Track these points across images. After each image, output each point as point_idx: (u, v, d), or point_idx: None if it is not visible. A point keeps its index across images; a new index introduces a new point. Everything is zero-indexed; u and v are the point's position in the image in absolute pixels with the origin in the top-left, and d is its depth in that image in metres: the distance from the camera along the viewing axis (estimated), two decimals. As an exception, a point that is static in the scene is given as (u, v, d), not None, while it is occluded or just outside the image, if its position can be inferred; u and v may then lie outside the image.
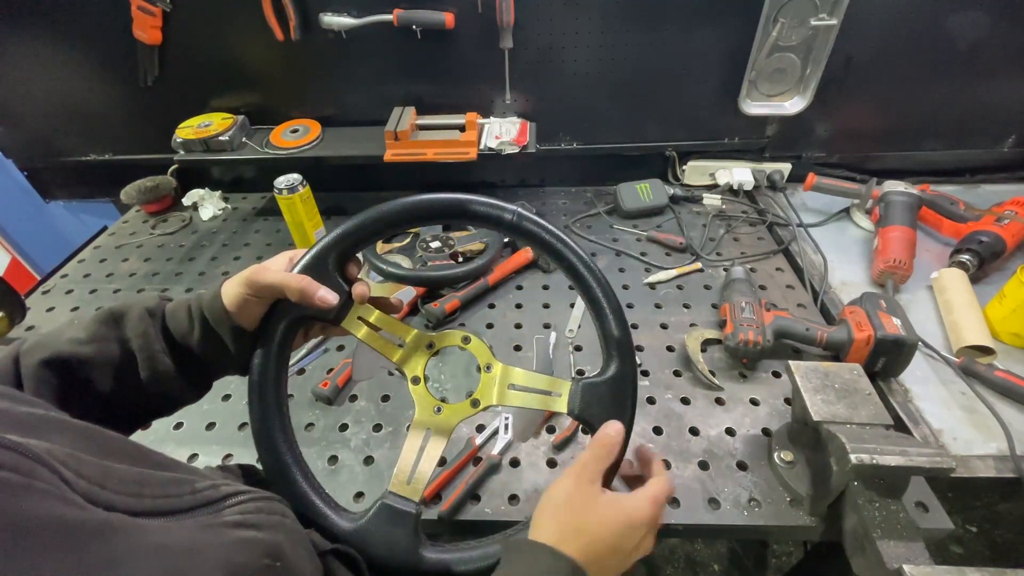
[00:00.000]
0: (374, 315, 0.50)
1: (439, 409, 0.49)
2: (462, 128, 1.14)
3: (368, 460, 0.74)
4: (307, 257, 0.48)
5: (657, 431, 0.76)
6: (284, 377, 0.48)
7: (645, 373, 0.85)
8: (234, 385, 0.86)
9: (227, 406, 0.83)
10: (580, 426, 0.76)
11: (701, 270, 1.06)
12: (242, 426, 0.80)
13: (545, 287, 1.03)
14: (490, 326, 0.95)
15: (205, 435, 0.79)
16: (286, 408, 0.47)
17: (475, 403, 0.49)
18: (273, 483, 0.44)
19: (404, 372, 0.50)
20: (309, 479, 0.46)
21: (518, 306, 0.99)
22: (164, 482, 0.29)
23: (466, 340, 0.50)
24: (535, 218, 0.48)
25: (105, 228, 1.31)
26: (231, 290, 0.45)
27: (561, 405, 0.48)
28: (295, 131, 1.19)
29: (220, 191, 1.34)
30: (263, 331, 0.47)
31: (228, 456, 0.76)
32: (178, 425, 0.80)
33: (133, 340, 0.43)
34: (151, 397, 0.45)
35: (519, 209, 0.48)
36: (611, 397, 0.47)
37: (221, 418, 0.81)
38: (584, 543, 0.38)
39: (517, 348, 0.90)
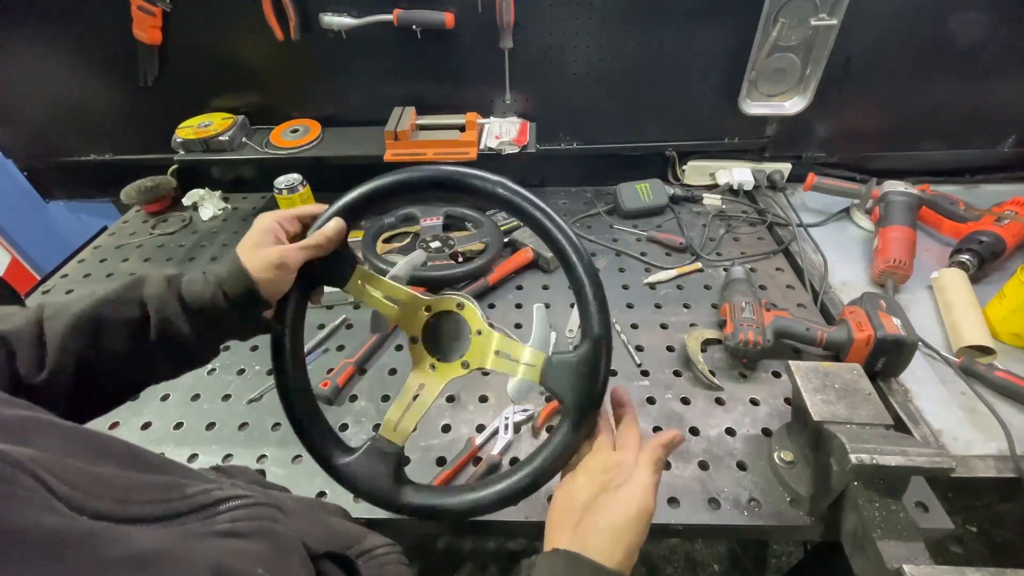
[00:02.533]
0: (373, 279, 0.55)
1: (433, 367, 0.54)
2: (462, 128, 1.14)
3: (368, 460, 0.74)
4: (321, 221, 0.53)
5: (657, 431, 0.76)
6: (301, 329, 0.54)
7: (645, 373, 0.85)
8: (234, 385, 0.86)
9: (227, 406, 0.83)
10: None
11: (701, 270, 1.06)
12: (242, 426, 0.80)
13: (545, 287, 1.03)
14: (490, 326, 0.95)
15: (205, 435, 0.79)
16: (303, 356, 0.54)
17: (465, 364, 0.54)
18: (287, 413, 0.52)
19: (404, 332, 0.55)
20: (317, 415, 0.53)
21: (518, 306, 0.99)
22: (154, 487, 0.29)
23: (460, 306, 0.55)
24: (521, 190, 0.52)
25: (105, 228, 1.31)
26: (255, 257, 0.49)
27: (534, 375, 0.52)
28: (295, 131, 1.19)
29: (220, 191, 1.34)
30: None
31: (228, 456, 0.76)
32: (178, 425, 0.80)
33: (153, 304, 0.46)
34: (163, 358, 0.48)
35: (505, 181, 0.52)
36: (578, 374, 0.50)
37: (221, 418, 0.81)
38: (604, 543, 0.42)
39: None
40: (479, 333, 0.54)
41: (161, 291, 0.46)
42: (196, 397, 0.84)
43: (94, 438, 0.31)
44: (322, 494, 0.70)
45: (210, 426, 0.80)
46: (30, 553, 0.20)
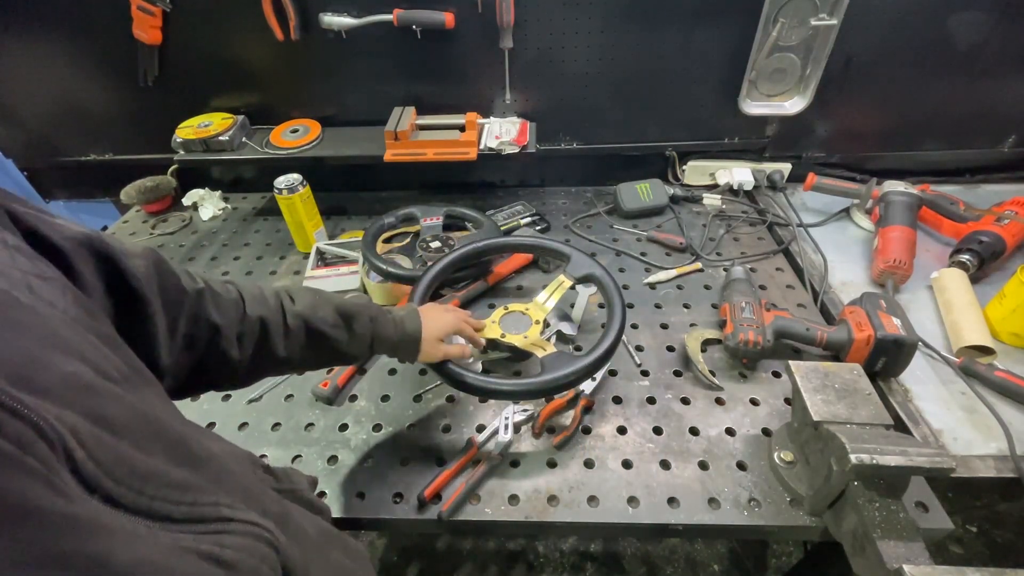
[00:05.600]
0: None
1: (503, 335, 0.77)
2: (462, 128, 1.14)
3: (368, 460, 0.74)
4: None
5: (657, 431, 0.77)
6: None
7: (645, 373, 0.85)
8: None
9: (227, 406, 0.83)
10: (579, 425, 0.77)
11: (701, 270, 1.06)
12: (242, 426, 0.80)
13: (544, 288, 1.02)
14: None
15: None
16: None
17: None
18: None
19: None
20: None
21: (518, 306, 0.99)
22: (172, 484, 0.29)
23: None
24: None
25: (105, 228, 1.32)
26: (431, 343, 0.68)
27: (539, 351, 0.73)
28: (295, 131, 1.19)
29: (220, 191, 1.34)
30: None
31: None
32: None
33: (357, 334, 0.61)
34: (338, 361, 0.65)
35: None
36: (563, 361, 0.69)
37: (220, 418, 0.81)
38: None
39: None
40: (537, 323, 0.79)
41: (365, 330, 0.62)
42: (196, 397, 0.84)
43: (151, 417, 0.31)
44: (322, 494, 0.70)
45: (210, 426, 0.80)
46: (2, 524, 0.20)
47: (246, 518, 0.33)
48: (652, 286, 1.03)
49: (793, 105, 1.15)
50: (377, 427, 0.79)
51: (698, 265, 1.06)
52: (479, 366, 0.87)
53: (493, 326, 0.78)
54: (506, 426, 0.75)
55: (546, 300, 0.81)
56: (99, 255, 0.37)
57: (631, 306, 0.98)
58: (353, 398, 0.83)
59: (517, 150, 1.11)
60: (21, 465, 0.21)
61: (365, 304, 0.64)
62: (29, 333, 0.27)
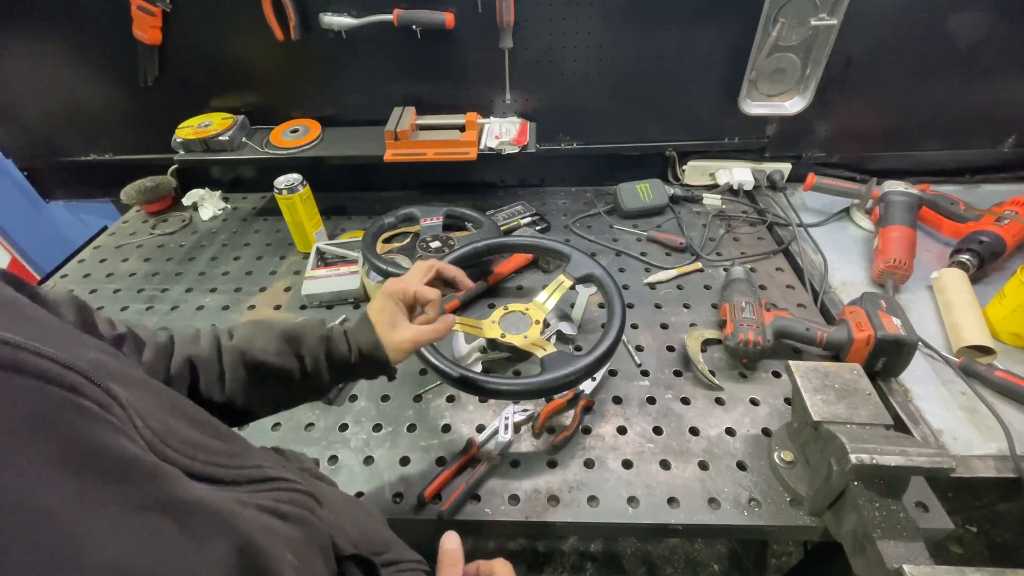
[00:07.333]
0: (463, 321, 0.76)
1: (503, 335, 0.76)
2: (462, 128, 1.14)
3: (368, 460, 0.74)
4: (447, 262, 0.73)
5: (657, 431, 0.77)
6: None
7: (645, 373, 0.85)
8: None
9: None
10: (579, 425, 0.77)
11: (701, 270, 1.06)
12: (242, 426, 0.80)
13: (544, 288, 1.03)
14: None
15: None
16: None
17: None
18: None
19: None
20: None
21: (518, 306, 0.99)
22: (218, 452, 0.31)
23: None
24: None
25: (105, 228, 1.32)
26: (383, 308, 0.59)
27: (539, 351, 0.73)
28: (295, 131, 1.19)
29: (220, 191, 1.34)
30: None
31: None
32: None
33: (308, 359, 0.54)
34: (296, 396, 0.57)
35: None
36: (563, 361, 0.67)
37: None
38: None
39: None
40: (538, 323, 0.79)
41: (317, 352, 0.54)
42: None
43: (179, 400, 0.33)
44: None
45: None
46: (112, 475, 0.22)
47: (286, 476, 0.35)
48: (652, 286, 1.03)
49: (793, 105, 1.15)
50: (377, 427, 0.79)
51: (698, 265, 1.06)
52: (479, 366, 0.87)
53: (493, 326, 0.78)
54: (506, 426, 0.75)
55: (546, 300, 0.81)
56: (15, 284, 0.34)
57: (631, 306, 0.98)
58: (353, 398, 0.83)
59: (517, 150, 1.11)
60: (109, 422, 0.23)
61: (316, 323, 0.57)
62: (49, 329, 0.29)
